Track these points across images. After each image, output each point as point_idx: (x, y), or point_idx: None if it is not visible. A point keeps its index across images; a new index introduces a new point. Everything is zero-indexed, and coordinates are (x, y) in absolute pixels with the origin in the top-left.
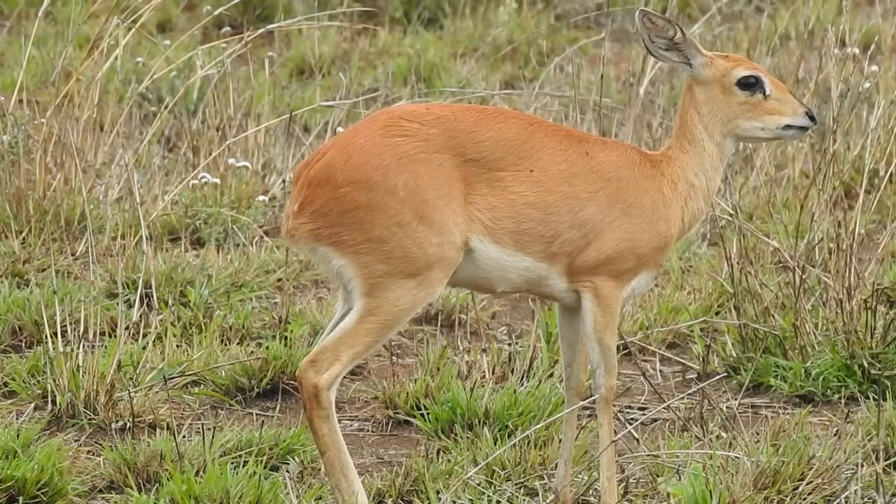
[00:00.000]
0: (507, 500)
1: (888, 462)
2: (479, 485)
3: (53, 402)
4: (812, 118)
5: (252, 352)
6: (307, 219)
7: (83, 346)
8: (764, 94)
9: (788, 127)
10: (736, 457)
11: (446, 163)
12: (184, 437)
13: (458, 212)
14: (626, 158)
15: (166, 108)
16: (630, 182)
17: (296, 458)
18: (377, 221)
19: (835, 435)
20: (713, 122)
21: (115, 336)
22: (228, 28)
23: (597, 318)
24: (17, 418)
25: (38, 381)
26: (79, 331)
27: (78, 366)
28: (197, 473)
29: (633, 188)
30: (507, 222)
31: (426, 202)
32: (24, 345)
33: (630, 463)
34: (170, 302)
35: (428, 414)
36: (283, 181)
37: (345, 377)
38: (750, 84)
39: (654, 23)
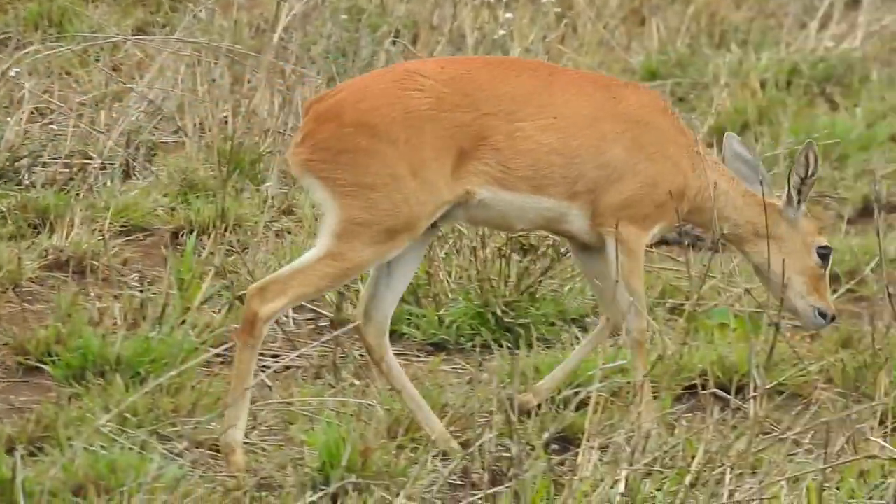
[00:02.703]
0: (140, 447)
1: None
2: (111, 431)
3: None
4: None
5: None
6: (306, 149)
7: None
8: (825, 271)
9: (822, 314)
10: (369, 405)
11: (453, 122)
12: None
13: (448, 175)
14: (656, 104)
15: None
16: (657, 127)
17: None
18: (372, 168)
19: (468, 383)
20: (777, 253)
21: None
22: None
23: (623, 264)
24: None
25: None
26: None
27: None
28: None
29: (658, 133)
30: (527, 170)
31: (423, 161)
32: None
33: (262, 410)
34: None
35: (59, 360)
36: None
37: None
38: (825, 256)
39: (809, 160)
